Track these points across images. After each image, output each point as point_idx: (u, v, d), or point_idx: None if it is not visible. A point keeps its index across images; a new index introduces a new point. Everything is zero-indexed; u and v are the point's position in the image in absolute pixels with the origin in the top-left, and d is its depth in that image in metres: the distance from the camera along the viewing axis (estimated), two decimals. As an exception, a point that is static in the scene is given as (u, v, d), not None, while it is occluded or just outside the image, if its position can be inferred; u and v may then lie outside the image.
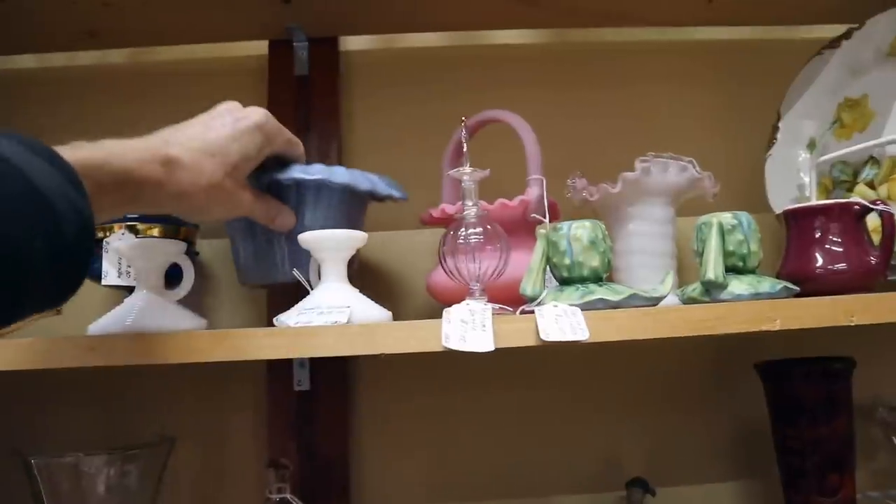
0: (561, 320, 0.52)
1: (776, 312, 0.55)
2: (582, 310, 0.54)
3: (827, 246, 0.63)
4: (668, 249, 0.73)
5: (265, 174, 0.61)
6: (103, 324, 0.61)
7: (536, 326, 0.52)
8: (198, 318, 0.65)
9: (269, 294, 0.86)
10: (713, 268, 0.59)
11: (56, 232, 0.36)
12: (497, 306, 0.58)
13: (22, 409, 0.83)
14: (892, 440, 0.83)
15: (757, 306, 0.55)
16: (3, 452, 0.67)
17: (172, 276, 0.66)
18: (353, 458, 0.86)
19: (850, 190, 0.80)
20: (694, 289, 0.61)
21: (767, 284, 0.59)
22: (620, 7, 0.87)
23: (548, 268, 0.62)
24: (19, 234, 0.34)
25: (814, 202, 0.70)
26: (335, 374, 0.86)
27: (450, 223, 0.62)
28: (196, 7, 0.81)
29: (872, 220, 0.64)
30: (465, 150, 0.62)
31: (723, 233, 0.60)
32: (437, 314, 0.54)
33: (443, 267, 0.60)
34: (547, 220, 0.65)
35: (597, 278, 0.59)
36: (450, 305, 0.55)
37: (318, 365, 0.85)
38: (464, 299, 0.58)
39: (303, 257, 0.63)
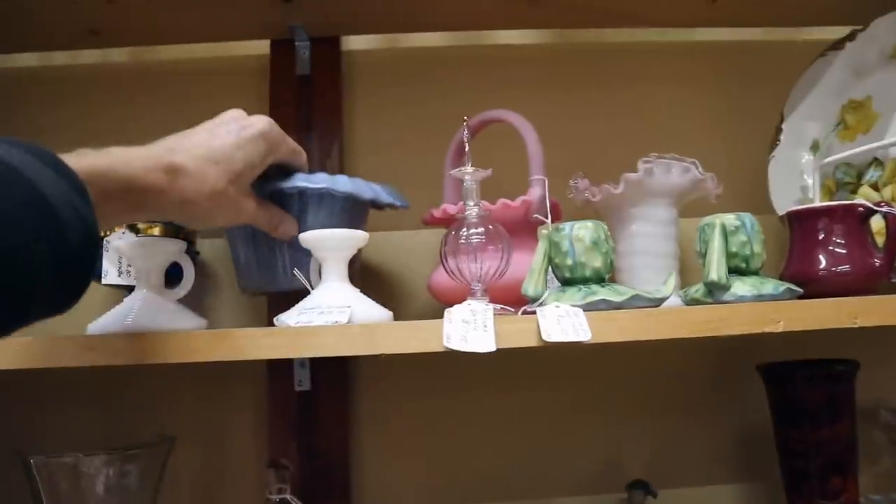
0: (563, 321, 0.52)
1: (779, 314, 0.54)
2: (584, 310, 0.54)
3: (830, 248, 0.62)
4: (670, 250, 0.72)
5: (268, 182, 0.61)
6: (103, 323, 0.61)
7: (538, 327, 0.51)
8: (198, 318, 0.65)
9: (269, 295, 0.86)
10: (716, 269, 0.58)
11: (60, 239, 0.36)
12: (499, 307, 0.57)
13: (21, 408, 0.82)
14: (895, 443, 0.82)
15: (760, 308, 0.55)
16: (3, 452, 0.67)
17: (173, 276, 0.66)
18: (353, 458, 0.86)
19: (854, 192, 0.80)
20: (697, 290, 0.61)
21: (770, 286, 0.59)
22: (622, 7, 0.87)
23: (550, 268, 0.61)
24: (25, 241, 0.34)
25: (817, 204, 0.69)
26: (336, 375, 0.86)
27: (451, 223, 0.61)
28: (198, 6, 0.81)
29: (876, 222, 0.63)
30: (466, 149, 0.62)
31: (726, 234, 0.60)
32: (439, 315, 0.54)
33: (444, 267, 0.60)
34: (549, 220, 0.64)
35: (599, 279, 0.59)
36: (451, 306, 0.55)
37: (319, 365, 0.84)
38: (465, 300, 0.58)
39: (304, 265, 0.63)
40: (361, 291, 0.61)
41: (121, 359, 0.53)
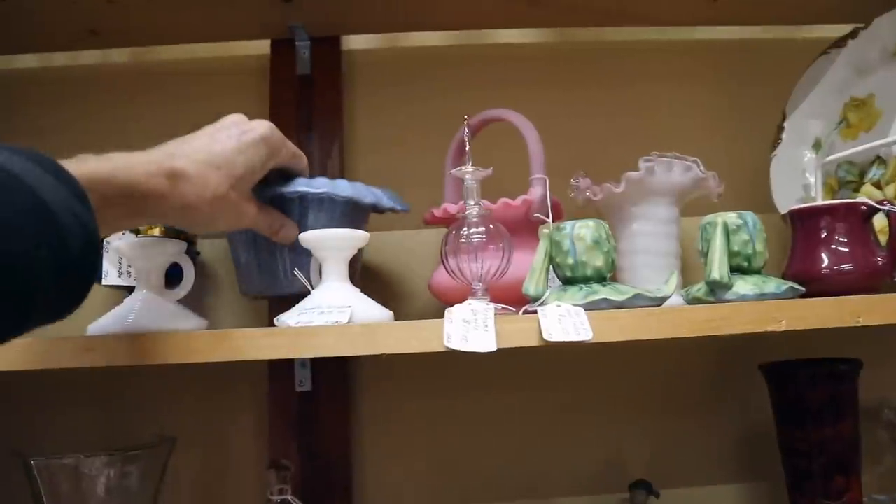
0: (564, 320, 0.52)
1: (782, 313, 0.54)
2: (585, 310, 0.54)
3: (833, 246, 0.62)
4: (672, 249, 0.72)
5: (269, 187, 0.61)
6: (103, 324, 0.61)
7: (539, 326, 0.51)
8: (198, 319, 0.64)
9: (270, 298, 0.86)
10: (718, 268, 0.58)
11: (61, 246, 0.36)
12: (500, 306, 0.57)
13: (22, 409, 0.82)
14: (898, 442, 0.82)
15: (762, 307, 0.55)
16: (4, 453, 0.67)
17: (173, 276, 0.66)
18: (354, 458, 0.86)
19: (857, 190, 0.80)
20: (699, 289, 0.61)
21: (773, 285, 0.59)
22: (623, 6, 0.86)
23: (551, 267, 0.61)
24: (26, 248, 0.34)
25: (820, 202, 0.69)
26: (337, 375, 0.85)
27: (452, 222, 0.61)
28: (198, 6, 0.81)
29: (879, 221, 0.63)
30: (467, 149, 0.62)
31: (728, 232, 0.60)
32: (440, 314, 0.53)
33: (445, 267, 0.60)
34: (550, 219, 0.64)
35: (600, 278, 0.59)
36: (452, 305, 0.55)
37: (320, 365, 0.84)
38: (466, 299, 0.58)
39: (305, 270, 0.63)
40: (362, 291, 0.61)
41: (121, 360, 0.53)
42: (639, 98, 0.94)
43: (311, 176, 0.64)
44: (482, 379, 0.87)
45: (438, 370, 0.87)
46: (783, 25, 0.96)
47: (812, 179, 0.84)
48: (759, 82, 0.94)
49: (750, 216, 0.61)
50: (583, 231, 0.59)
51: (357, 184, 0.65)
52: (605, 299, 0.55)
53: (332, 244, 0.59)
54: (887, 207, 0.62)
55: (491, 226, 0.60)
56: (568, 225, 0.60)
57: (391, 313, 0.60)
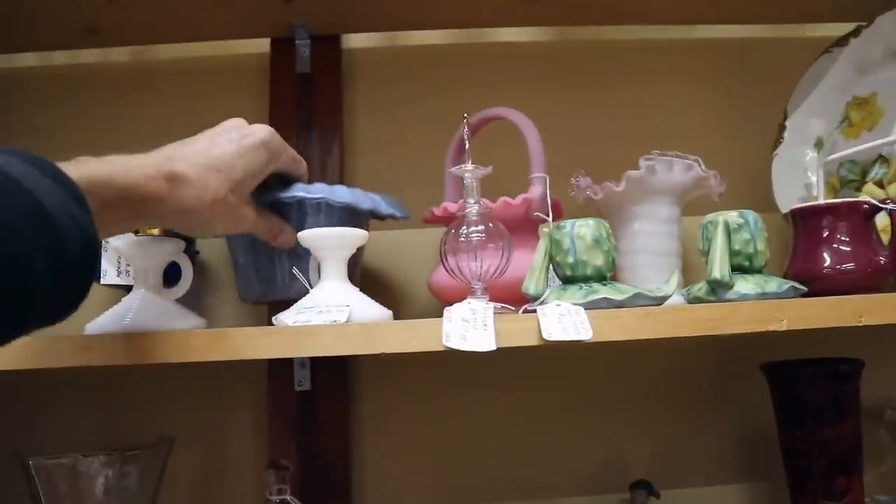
0: (564, 319, 0.52)
1: (783, 312, 0.54)
2: (585, 309, 0.53)
3: (835, 245, 0.62)
4: (673, 249, 0.72)
5: (268, 192, 0.61)
6: (101, 323, 0.60)
7: (539, 326, 0.51)
8: (196, 318, 0.64)
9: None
10: (719, 267, 0.58)
11: (60, 248, 0.36)
12: (499, 305, 0.57)
13: (20, 409, 0.82)
14: (900, 443, 0.82)
15: (764, 306, 0.54)
16: (2, 453, 0.67)
17: (171, 276, 0.66)
18: (354, 458, 0.85)
19: (859, 189, 0.80)
20: (699, 288, 0.60)
21: (774, 284, 0.58)
22: (623, 4, 0.86)
23: (551, 267, 0.61)
24: (24, 251, 0.34)
25: (821, 201, 0.69)
26: (336, 374, 0.85)
27: (452, 221, 0.61)
28: (198, 5, 0.81)
29: (881, 220, 0.63)
30: (467, 147, 0.62)
31: (729, 232, 0.59)
32: (440, 314, 0.53)
33: (444, 266, 0.60)
34: (550, 218, 0.64)
35: (601, 277, 0.59)
36: (451, 305, 0.55)
37: (319, 365, 0.84)
38: (465, 298, 0.57)
39: (305, 275, 0.62)
40: (361, 290, 0.60)
41: (119, 359, 0.52)
42: (639, 97, 0.94)
43: (310, 181, 0.64)
44: (481, 378, 0.86)
45: (438, 370, 0.87)
46: (785, 24, 0.95)
47: (814, 178, 0.84)
48: (760, 81, 0.94)
49: (751, 215, 0.61)
50: (583, 230, 0.58)
51: (356, 190, 0.65)
52: (605, 298, 0.55)
53: (330, 243, 0.59)
54: (889, 206, 0.61)
55: (490, 224, 0.59)
56: (568, 224, 0.59)
57: (390, 312, 0.60)
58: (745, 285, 0.58)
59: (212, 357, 0.51)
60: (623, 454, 0.88)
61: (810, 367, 0.74)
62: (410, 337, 0.52)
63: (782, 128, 0.86)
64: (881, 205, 0.62)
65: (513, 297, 0.60)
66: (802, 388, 0.74)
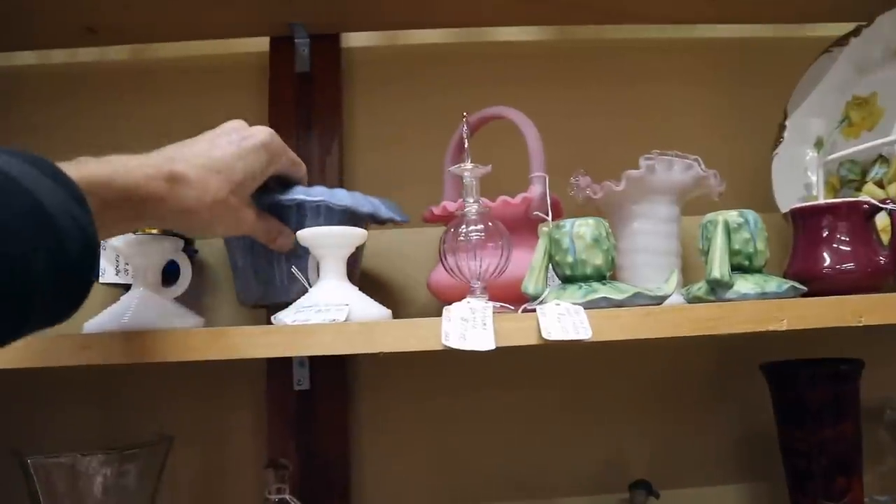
0: (563, 319, 0.51)
1: (783, 312, 0.54)
2: (585, 308, 0.53)
3: (835, 245, 0.62)
4: (672, 248, 0.72)
5: (267, 194, 0.61)
6: (99, 322, 0.60)
7: (538, 325, 0.51)
8: (195, 316, 0.64)
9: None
10: (719, 266, 0.58)
11: (59, 249, 0.36)
12: (498, 305, 0.57)
13: (18, 408, 0.82)
14: (900, 443, 0.82)
15: (763, 306, 0.54)
16: (0, 452, 0.67)
17: (170, 274, 0.66)
18: (353, 458, 0.85)
19: (859, 189, 0.79)
20: (699, 288, 0.60)
21: (774, 284, 0.58)
22: (623, 4, 0.86)
23: (550, 266, 0.61)
24: (23, 251, 0.34)
25: (821, 201, 0.69)
26: (335, 374, 0.85)
27: (451, 220, 0.61)
28: (197, 4, 0.81)
29: (881, 220, 0.63)
30: (466, 146, 0.61)
31: (728, 231, 0.59)
32: (439, 313, 0.53)
33: (443, 265, 0.60)
34: (549, 217, 0.64)
35: (600, 277, 0.59)
36: (451, 304, 0.54)
37: (319, 364, 0.84)
38: (465, 297, 0.57)
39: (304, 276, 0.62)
40: (360, 289, 0.60)
41: (118, 358, 0.52)
42: (639, 96, 0.94)
43: (310, 180, 0.64)
44: (481, 378, 0.86)
45: (437, 369, 0.87)
46: (785, 24, 0.95)
47: (814, 178, 0.84)
48: (760, 81, 0.94)
49: (751, 215, 0.60)
50: (582, 229, 0.58)
51: (355, 193, 0.65)
52: (604, 298, 0.55)
53: (329, 242, 0.59)
54: (889, 206, 0.61)
55: (490, 224, 0.59)
56: (567, 223, 0.59)
57: (389, 311, 0.60)
58: (745, 285, 0.58)
59: (211, 356, 0.51)
60: (622, 454, 0.88)
61: (810, 367, 0.74)
62: (409, 336, 0.52)
63: (782, 127, 0.86)
64: (881, 205, 0.62)
65: (512, 297, 0.59)
66: (802, 388, 0.74)
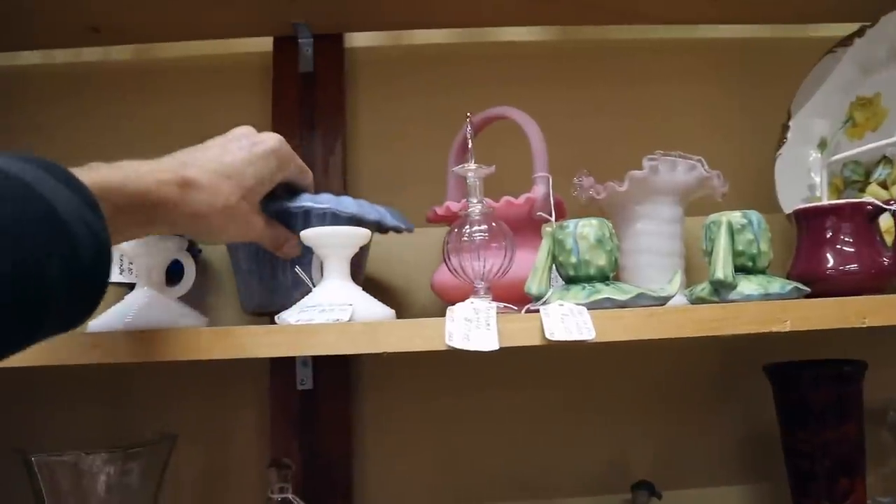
0: (567, 319, 0.51)
1: (786, 313, 0.54)
2: (588, 309, 0.53)
3: (838, 246, 0.62)
4: (676, 249, 0.72)
5: (274, 201, 0.61)
6: (104, 321, 0.60)
7: (542, 325, 0.51)
8: (199, 316, 0.64)
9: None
10: (722, 267, 0.58)
11: (73, 255, 0.36)
12: (502, 305, 0.57)
13: (22, 406, 0.82)
14: (903, 444, 0.82)
15: (767, 307, 0.54)
16: (4, 450, 0.67)
17: (174, 274, 0.66)
18: (356, 457, 0.85)
19: (862, 190, 0.79)
20: (702, 289, 0.60)
21: (777, 285, 0.58)
22: (627, 4, 0.86)
23: (553, 266, 0.61)
24: (38, 257, 0.34)
25: (825, 202, 0.69)
26: (338, 373, 0.85)
27: (455, 221, 0.61)
28: (200, 3, 0.81)
29: (885, 221, 0.63)
30: (470, 146, 0.61)
31: (732, 232, 0.59)
32: (442, 313, 0.53)
33: (447, 265, 0.60)
34: (553, 218, 0.64)
35: (603, 277, 0.59)
36: (454, 304, 0.54)
37: (322, 364, 0.84)
38: (468, 298, 0.57)
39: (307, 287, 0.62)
40: (364, 289, 0.60)
41: (122, 357, 0.52)
42: (643, 97, 0.94)
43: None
44: (484, 378, 0.86)
45: (440, 369, 0.87)
46: (789, 24, 0.95)
47: (817, 179, 0.83)
48: (764, 81, 0.94)
49: (755, 215, 0.60)
50: (586, 230, 0.58)
51: (362, 201, 0.65)
52: (608, 298, 0.55)
53: (333, 241, 0.59)
54: (893, 207, 0.61)
55: (493, 224, 0.59)
56: (571, 223, 0.59)
57: (393, 311, 0.60)
58: (749, 286, 0.58)
59: (215, 355, 0.51)
60: (625, 454, 0.88)
61: (813, 368, 0.74)
62: (413, 336, 0.52)
63: (786, 128, 0.86)
64: (885, 206, 0.61)
65: (516, 297, 0.60)
66: (805, 390, 0.74)
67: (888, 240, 0.63)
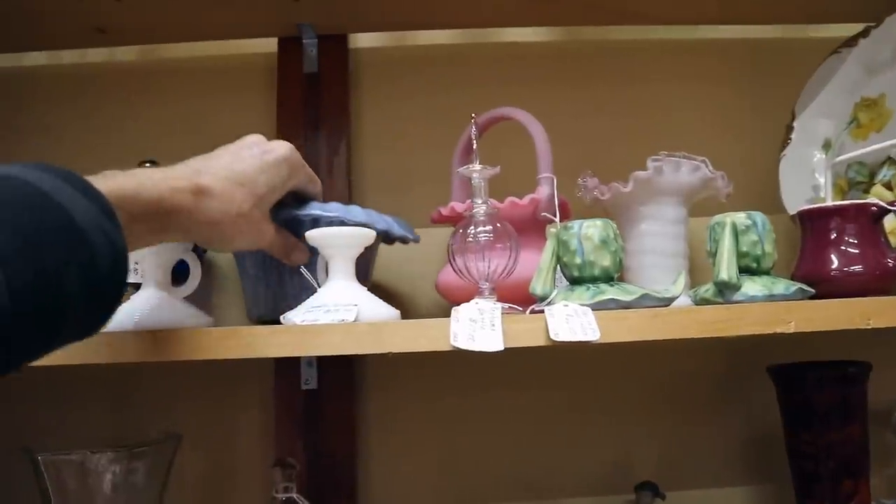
0: (571, 320, 0.52)
1: (790, 314, 0.54)
2: (593, 310, 0.53)
3: (843, 247, 0.62)
4: (680, 250, 0.72)
5: (283, 209, 0.61)
6: (112, 320, 0.60)
7: (546, 326, 0.51)
8: (204, 316, 0.64)
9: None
10: (726, 268, 0.58)
11: (90, 263, 0.37)
12: (507, 305, 0.57)
13: (29, 405, 0.83)
14: (907, 446, 0.81)
15: (771, 308, 0.54)
16: (11, 449, 0.67)
17: (179, 274, 0.66)
18: (360, 457, 0.86)
19: (867, 191, 0.79)
20: (707, 290, 0.60)
21: (782, 286, 0.58)
22: (631, 4, 0.86)
23: (558, 267, 0.61)
24: (56, 266, 0.35)
25: (829, 203, 0.69)
26: (343, 373, 0.85)
27: (459, 221, 0.61)
28: (205, 4, 0.81)
29: (889, 222, 0.63)
30: (474, 147, 0.62)
31: (736, 233, 0.59)
32: (447, 314, 0.53)
33: (452, 266, 0.60)
34: (557, 218, 0.64)
35: (608, 278, 0.59)
36: (459, 305, 0.55)
37: (326, 364, 0.84)
38: (473, 298, 0.57)
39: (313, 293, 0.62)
40: (369, 290, 0.60)
41: (130, 356, 0.53)
42: (647, 97, 0.94)
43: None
44: (489, 379, 0.86)
45: (445, 369, 0.87)
46: (793, 24, 0.95)
47: (822, 180, 0.83)
48: (768, 82, 0.94)
49: (759, 216, 0.60)
50: (590, 230, 0.58)
51: (370, 211, 0.65)
52: (612, 299, 0.55)
53: (338, 242, 0.59)
54: (898, 209, 0.61)
55: (498, 225, 0.59)
56: (575, 224, 0.59)
57: (398, 312, 0.60)
58: (753, 287, 0.58)
59: (220, 355, 0.52)
60: (630, 455, 0.88)
61: (817, 369, 0.74)
62: (418, 336, 0.52)
63: (790, 129, 0.86)
64: (889, 207, 0.61)
65: (520, 298, 0.60)
66: (809, 391, 0.74)
67: (893, 241, 0.63)
